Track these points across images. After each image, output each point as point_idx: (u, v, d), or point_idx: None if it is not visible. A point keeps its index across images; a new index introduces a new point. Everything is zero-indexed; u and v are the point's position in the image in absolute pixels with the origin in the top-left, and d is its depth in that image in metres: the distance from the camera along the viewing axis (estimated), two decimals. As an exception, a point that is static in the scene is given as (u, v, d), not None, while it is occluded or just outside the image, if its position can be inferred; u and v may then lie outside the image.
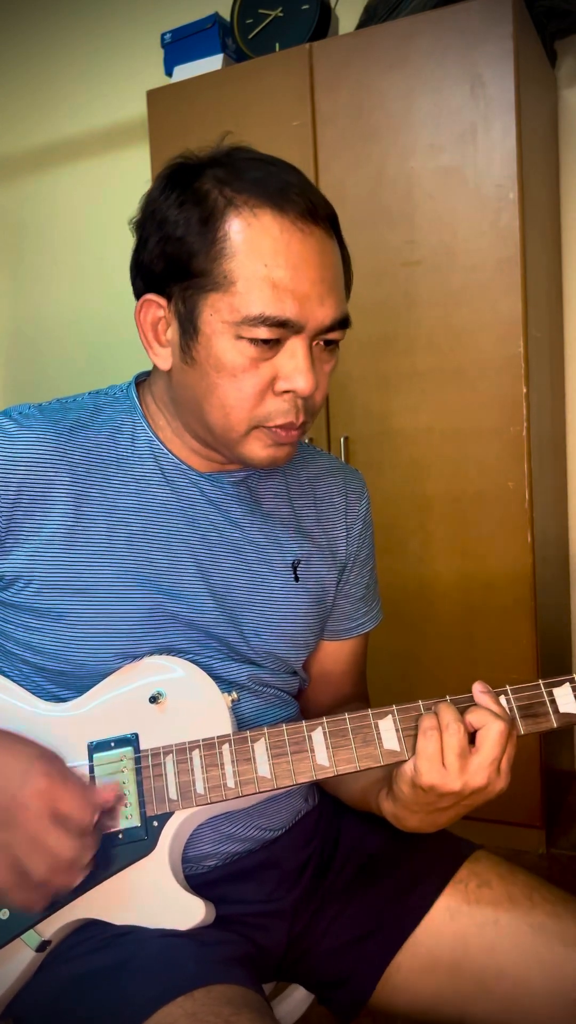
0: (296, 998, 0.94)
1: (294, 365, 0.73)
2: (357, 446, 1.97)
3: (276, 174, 0.73)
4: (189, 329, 0.74)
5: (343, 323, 0.76)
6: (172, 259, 0.74)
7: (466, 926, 0.81)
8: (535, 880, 0.84)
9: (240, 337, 0.72)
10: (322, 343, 0.76)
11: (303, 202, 0.72)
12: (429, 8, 1.81)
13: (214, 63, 2.12)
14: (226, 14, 2.18)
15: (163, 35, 2.21)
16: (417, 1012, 0.83)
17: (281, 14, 2.04)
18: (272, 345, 0.73)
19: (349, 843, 0.90)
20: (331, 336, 0.76)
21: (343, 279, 0.77)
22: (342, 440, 1.97)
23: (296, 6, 2.01)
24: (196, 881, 0.80)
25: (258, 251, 0.70)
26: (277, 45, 2.03)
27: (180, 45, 2.18)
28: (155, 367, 0.82)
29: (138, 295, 0.79)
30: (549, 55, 2.06)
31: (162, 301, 0.76)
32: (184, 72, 2.15)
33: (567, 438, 2.23)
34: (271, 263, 0.70)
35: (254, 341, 0.72)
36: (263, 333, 0.71)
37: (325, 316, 0.73)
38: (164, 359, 0.78)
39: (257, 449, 0.77)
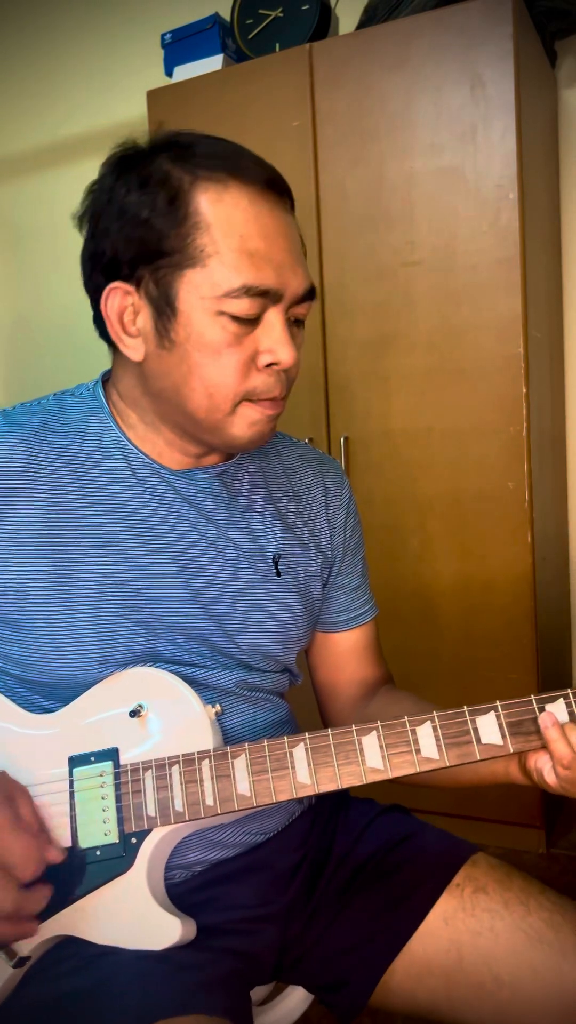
0: (296, 998, 0.94)
1: (275, 337, 0.74)
2: (357, 446, 1.97)
3: (228, 146, 0.75)
4: (166, 311, 0.73)
5: (311, 294, 0.77)
6: (140, 242, 0.72)
7: (461, 933, 0.79)
8: (533, 886, 0.82)
9: (221, 313, 0.71)
10: (292, 318, 0.77)
11: (264, 172, 0.73)
12: (429, 8, 1.81)
13: (214, 63, 2.12)
14: (226, 14, 2.18)
15: (163, 35, 2.21)
16: (413, 1014, 0.82)
17: (281, 14, 2.03)
18: (252, 321, 0.73)
19: (343, 847, 0.89)
20: (300, 309, 0.77)
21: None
22: (342, 440, 1.97)
23: (296, 6, 2.01)
24: (184, 888, 0.78)
25: (231, 222, 0.71)
26: (277, 45, 2.03)
27: (180, 45, 2.18)
28: (118, 363, 0.81)
29: (97, 289, 0.77)
30: (549, 55, 2.06)
31: (129, 288, 0.74)
32: (184, 72, 2.15)
33: (567, 438, 2.23)
34: (246, 233, 0.71)
35: (235, 319, 0.72)
36: (245, 305, 0.71)
37: (299, 285, 0.75)
38: (135, 350, 0.76)
39: (244, 427, 0.76)
